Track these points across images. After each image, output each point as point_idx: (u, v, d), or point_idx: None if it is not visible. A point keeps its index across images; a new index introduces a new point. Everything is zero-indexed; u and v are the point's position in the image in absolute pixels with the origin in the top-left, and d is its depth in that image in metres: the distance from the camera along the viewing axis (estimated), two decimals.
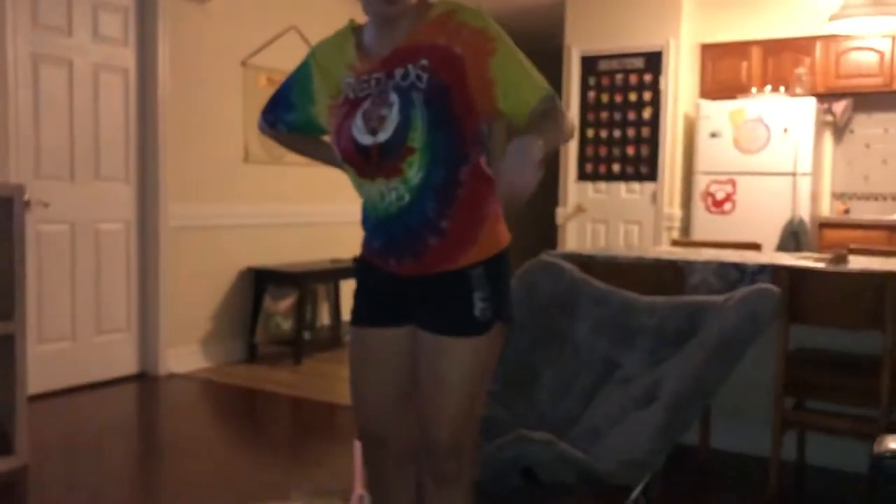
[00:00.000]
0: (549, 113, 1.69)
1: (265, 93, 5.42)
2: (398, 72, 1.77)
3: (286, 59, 5.49)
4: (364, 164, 1.81)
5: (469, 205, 1.81)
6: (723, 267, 3.25)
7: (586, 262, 3.22)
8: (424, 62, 1.74)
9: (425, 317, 1.86)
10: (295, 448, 3.90)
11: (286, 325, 5.41)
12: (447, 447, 1.83)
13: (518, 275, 2.49)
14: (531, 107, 1.72)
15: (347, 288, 6.08)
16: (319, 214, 5.95)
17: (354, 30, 1.91)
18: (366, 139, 1.78)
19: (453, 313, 1.82)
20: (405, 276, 1.87)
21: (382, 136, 1.75)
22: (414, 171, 1.76)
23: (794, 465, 3.34)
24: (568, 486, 1.91)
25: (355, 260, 2.08)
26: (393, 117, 1.74)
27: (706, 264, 3.29)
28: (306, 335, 5.48)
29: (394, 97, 1.75)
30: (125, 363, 4.89)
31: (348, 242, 6.10)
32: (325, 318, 6.00)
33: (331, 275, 5.79)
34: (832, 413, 3.07)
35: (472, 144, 1.80)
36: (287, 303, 5.40)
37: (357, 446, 1.13)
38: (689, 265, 3.29)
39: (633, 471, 2.02)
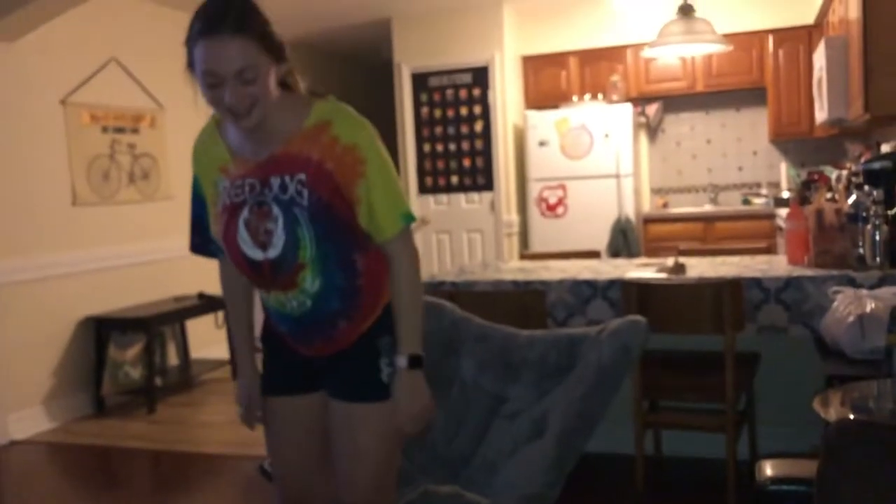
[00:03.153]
0: (406, 251, 1.81)
1: (90, 131, 5.15)
2: (275, 181, 1.72)
3: (108, 92, 5.22)
4: (258, 278, 1.81)
5: (373, 287, 1.85)
6: (577, 285, 3.45)
7: (451, 292, 3.32)
8: (302, 176, 1.70)
9: (335, 385, 1.90)
10: None
11: (135, 373, 5.16)
12: None
13: None
14: (386, 238, 1.78)
15: (194, 326, 5.87)
16: (157, 252, 5.70)
17: (218, 126, 1.82)
18: (256, 254, 1.75)
19: (361, 381, 1.86)
20: (315, 356, 1.89)
21: (272, 253, 1.73)
22: (310, 282, 1.76)
23: (653, 459, 3.61)
24: None
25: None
26: (279, 234, 1.71)
27: (560, 283, 3.48)
28: (158, 381, 5.25)
29: (277, 211, 1.71)
30: None
31: (189, 277, 5.91)
32: (173, 359, 5.76)
33: (176, 315, 5.56)
34: (685, 410, 3.35)
35: (364, 238, 1.80)
36: (134, 350, 5.16)
37: None
38: (546, 285, 3.47)
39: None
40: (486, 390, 2.43)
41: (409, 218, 1.80)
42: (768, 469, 1.58)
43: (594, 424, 2.16)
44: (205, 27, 1.60)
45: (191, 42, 1.63)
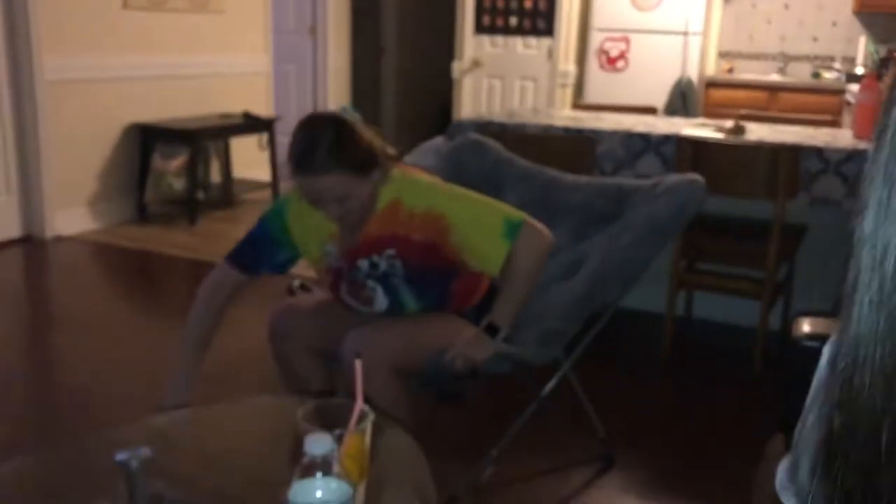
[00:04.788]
0: (523, 260, 1.87)
1: None
2: (362, 263, 1.91)
3: None
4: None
5: (461, 298, 2.07)
6: (629, 137, 3.34)
7: (498, 132, 3.23)
8: (391, 251, 1.88)
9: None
10: None
11: (178, 184, 5.22)
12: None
13: (446, 154, 2.48)
14: (499, 267, 1.87)
15: (238, 145, 5.87)
16: (205, 66, 5.62)
17: None
18: (363, 308, 2.00)
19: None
20: None
21: (377, 308, 1.97)
22: (407, 310, 2.02)
23: (683, 320, 3.61)
24: (504, 374, 2.02)
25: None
26: (381, 300, 1.95)
27: (613, 134, 3.37)
28: (200, 195, 5.32)
29: (372, 284, 1.93)
30: (8, 226, 4.63)
31: (237, 96, 5.86)
32: (216, 176, 5.80)
33: (221, 131, 5.56)
34: (724, 274, 3.30)
35: (464, 268, 1.96)
36: (178, 161, 5.19)
37: (358, 364, 1.14)
38: (597, 134, 3.36)
39: (549, 344, 2.13)
40: None
41: (511, 229, 1.86)
42: (805, 325, 1.55)
43: (632, 277, 2.12)
44: (295, 167, 1.79)
45: (292, 175, 1.83)
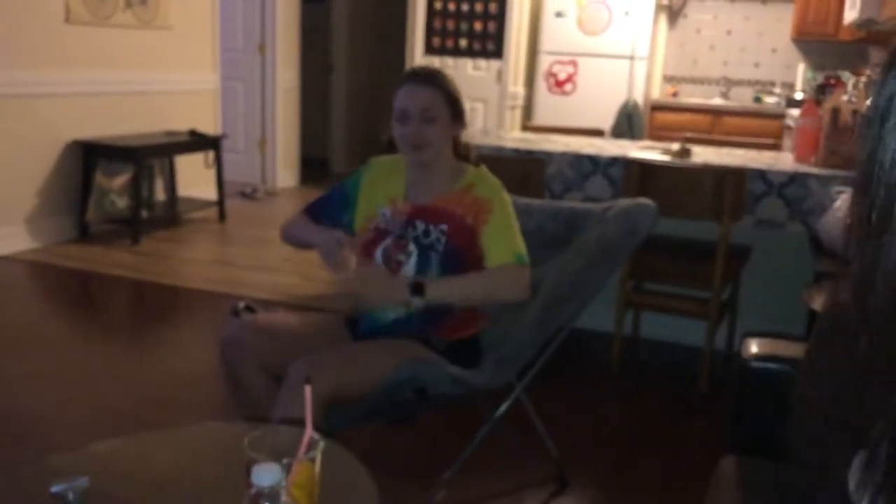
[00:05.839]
0: (506, 272, 2.02)
1: None
2: (420, 225, 2.08)
3: None
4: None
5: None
6: (578, 159, 3.37)
7: None
8: (444, 227, 2.07)
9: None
10: (136, 333, 3.77)
11: (121, 202, 5.10)
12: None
13: None
14: (497, 264, 2.03)
15: (183, 163, 5.78)
16: (150, 82, 5.53)
17: (407, 166, 2.17)
18: (389, 267, 2.10)
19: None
20: None
21: (405, 272, 2.07)
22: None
23: (630, 339, 3.64)
24: (454, 397, 2.00)
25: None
26: (409, 267, 2.06)
27: (562, 156, 3.40)
28: (143, 213, 5.21)
29: (412, 248, 2.07)
30: None
31: (184, 113, 5.77)
32: (160, 194, 5.70)
33: (166, 149, 5.47)
34: (670, 294, 3.35)
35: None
36: (121, 179, 5.08)
37: (307, 390, 1.12)
38: (547, 156, 3.39)
39: (504, 369, 2.13)
40: None
41: (521, 258, 2.03)
42: (754, 346, 1.56)
43: (585, 300, 2.13)
44: (408, 78, 2.12)
45: (395, 87, 2.11)
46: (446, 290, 2.00)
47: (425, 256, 2.06)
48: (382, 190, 2.18)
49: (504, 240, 2.05)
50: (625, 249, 2.09)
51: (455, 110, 2.13)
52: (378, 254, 2.10)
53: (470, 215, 2.07)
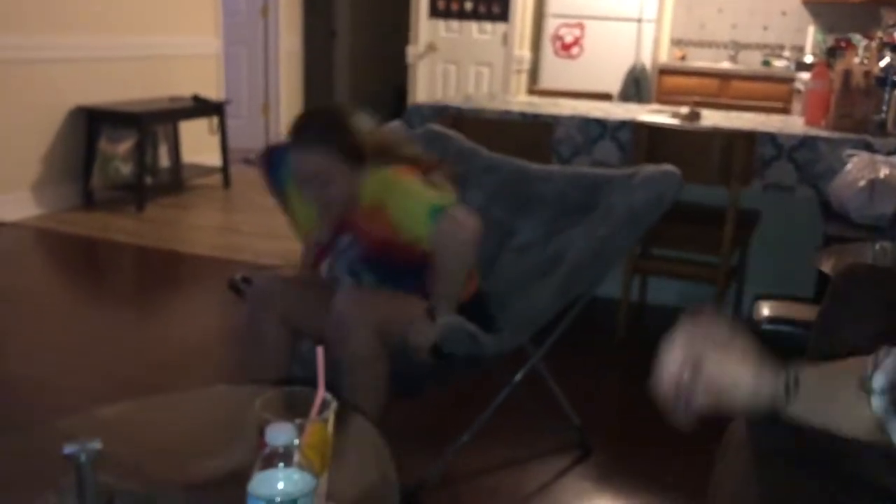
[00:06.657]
0: (441, 237, 1.94)
1: None
2: (344, 239, 2.09)
3: None
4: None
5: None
6: (586, 122, 3.34)
7: (455, 117, 3.21)
8: (361, 239, 2.05)
9: None
10: (142, 299, 3.77)
11: (125, 168, 5.08)
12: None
13: None
14: (429, 241, 1.96)
15: (187, 129, 5.74)
16: (155, 47, 5.48)
17: None
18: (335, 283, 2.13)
19: None
20: None
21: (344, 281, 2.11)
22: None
23: (636, 305, 3.63)
24: (472, 359, 2.00)
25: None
26: (346, 279, 2.09)
27: (570, 119, 3.36)
28: (148, 180, 5.19)
29: (341, 264, 2.10)
30: None
31: (187, 78, 5.72)
32: (164, 160, 5.67)
33: (170, 115, 5.44)
34: (678, 259, 3.33)
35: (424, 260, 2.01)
36: (125, 145, 5.05)
37: (320, 350, 1.11)
38: (555, 120, 3.35)
39: (521, 331, 2.12)
40: (495, 222, 2.36)
41: (435, 211, 1.94)
42: (766, 309, 1.55)
43: (608, 267, 2.13)
44: (293, 142, 1.97)
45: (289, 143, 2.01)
46: (440, 287, 2.00)
47: (353, 270, 2.11)
48: (304, 209, 2.20)
49: (412, 210, 1.97)
50: (650, 217, 2.08)
51: (353, 154, 1.96)
52: (324, 270, 2.19)
53: (375, 222, 2.01)
